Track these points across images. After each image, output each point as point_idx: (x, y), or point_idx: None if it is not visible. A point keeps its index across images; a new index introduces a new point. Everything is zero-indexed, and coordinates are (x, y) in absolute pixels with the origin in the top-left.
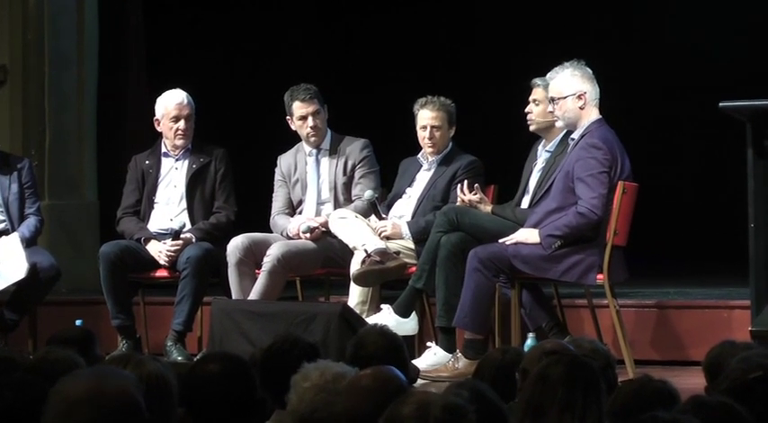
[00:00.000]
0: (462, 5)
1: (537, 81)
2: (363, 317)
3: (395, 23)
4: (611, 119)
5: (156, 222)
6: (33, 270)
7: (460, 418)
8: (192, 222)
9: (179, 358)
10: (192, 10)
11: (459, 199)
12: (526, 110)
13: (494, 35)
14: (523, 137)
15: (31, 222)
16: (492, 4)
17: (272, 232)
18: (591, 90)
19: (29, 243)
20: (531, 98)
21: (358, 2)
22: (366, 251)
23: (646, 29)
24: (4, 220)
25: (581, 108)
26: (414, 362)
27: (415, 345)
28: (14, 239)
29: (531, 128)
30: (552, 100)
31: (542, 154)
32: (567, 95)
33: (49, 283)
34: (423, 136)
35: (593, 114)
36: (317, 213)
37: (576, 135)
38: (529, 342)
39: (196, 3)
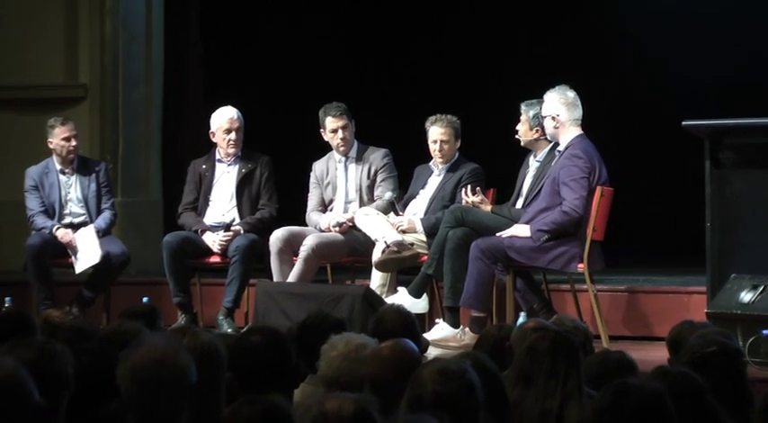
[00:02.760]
0: (466, 37)
1: (522, 105)
2: (383, 297)
3: (416, 54)
4: (594, 133)
5: (210, 217)
6: (107, 256)
7: (453, 381)
8: (241, 217)
9: (228, 330)
10: (242, 43)
11: (463, 200)
12: (517, 127)
13: (495, 62)
14: (518, 148)
15: (106, 216)
16: (493, 37)
17: (307, 226)
18: (565, 113)
19: (104, 233)
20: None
21: (387, 43)
22: (386, 242)
23: (625, 60)
24: (83, 214)
25: (555, 127)
26: (424, 335)
27: (425, 321)
28: (90, 230)
29: (521, 143)
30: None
31: (533, 163)
32: (545, 115)
33: (120, 267)
34: (433, 149)
35: (573, 131)
36: (345, 211)
37: (561, 147)
38: (521, 320)
39: (248, 40)
